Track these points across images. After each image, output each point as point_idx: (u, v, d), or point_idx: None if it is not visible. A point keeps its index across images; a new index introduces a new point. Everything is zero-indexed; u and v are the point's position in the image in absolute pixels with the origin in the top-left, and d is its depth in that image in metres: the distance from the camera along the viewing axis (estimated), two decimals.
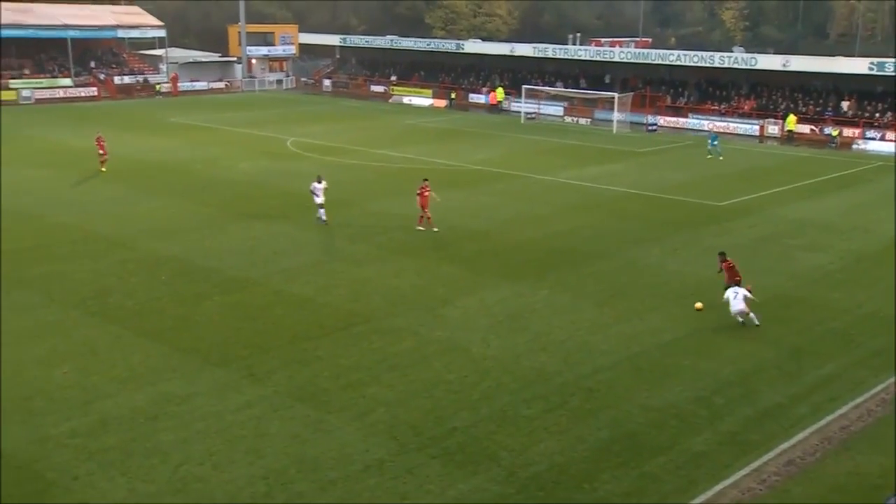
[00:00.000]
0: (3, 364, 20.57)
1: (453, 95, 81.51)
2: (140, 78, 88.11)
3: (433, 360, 21.20)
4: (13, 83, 79.68)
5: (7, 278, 26.91)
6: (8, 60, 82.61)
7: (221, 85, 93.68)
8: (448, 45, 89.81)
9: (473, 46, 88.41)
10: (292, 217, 35.06)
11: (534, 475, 16.05)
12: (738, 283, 23.94)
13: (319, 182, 33.80)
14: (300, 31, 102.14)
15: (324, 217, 33.61)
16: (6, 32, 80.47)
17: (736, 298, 23.19)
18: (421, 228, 32.87)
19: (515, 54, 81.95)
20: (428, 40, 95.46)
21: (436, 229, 32.75)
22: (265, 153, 52.00)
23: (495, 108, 77.37)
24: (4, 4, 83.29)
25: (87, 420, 17.87)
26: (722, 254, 25.18)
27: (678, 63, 71.23)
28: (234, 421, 18.00)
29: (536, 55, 79.85)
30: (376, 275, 28.01)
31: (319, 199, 33.64)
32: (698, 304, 24.68)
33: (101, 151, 44.68)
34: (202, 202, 38.16)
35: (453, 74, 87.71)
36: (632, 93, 70.71)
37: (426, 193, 32.94)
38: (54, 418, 17.94)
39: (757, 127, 64.90)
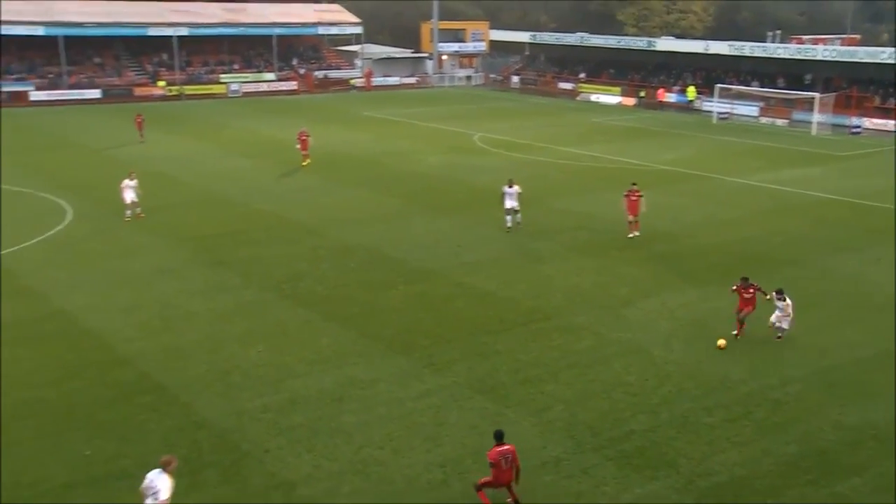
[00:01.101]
0: (207, 339, 22.06)
1: (642, 94, 79.95)
2: (320, 74, 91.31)
3: (613, 361, 20.95)
4: (223, 77, 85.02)
5: (213, 260, 28.76)
6: (220, 56, 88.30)
7: (413, 80, 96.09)
8: (639, 43, 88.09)
9: (666, 44, 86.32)
10: (477, 211, 35.48)
11: (714, 485, 15.57)
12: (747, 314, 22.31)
13: (511, 186, 32.31)
14: (491, 27, 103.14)
15: (509, 223, 32.22)
16: (223, 31, 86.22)
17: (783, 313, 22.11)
18: (632, 235, 31.69)
19: (710, 52, 79.32)
20: (619, 38, 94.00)
21: (631, 235, 31.68)
22: (452, 148, 52.91)
23: (663, 104, 76.07)
24: (222, 4, 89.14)
25: (278, 397, 18.85)
26: (745, 279, 22.51)
27: (890, 61, 66.63)
28: (415, 408, 18.48)
29: (732, 53, 77.01)
30: (558, 272, 27.95)
31: (509, 204, 32.16)
32: (721, 342, 21.75)
33: (298, 146, 46.03)
34: (391, 194, 39.33)
35: (643, 72, 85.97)
36: (835, 93, 66.91)
37: (633, 198, 31.70)
38: (249, 393, 19.05)
39: None
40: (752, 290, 22.22)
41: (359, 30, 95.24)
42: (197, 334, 22.40)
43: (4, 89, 74.30)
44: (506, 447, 14.38)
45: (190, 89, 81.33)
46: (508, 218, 32.39)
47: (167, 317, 23.62)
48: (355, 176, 43.63)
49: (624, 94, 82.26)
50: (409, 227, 33.53)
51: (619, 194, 32.70)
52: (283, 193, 39.49)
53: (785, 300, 21.92)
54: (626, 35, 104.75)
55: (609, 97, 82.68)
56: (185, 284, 26.28)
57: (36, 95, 75.10)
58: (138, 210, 33.86)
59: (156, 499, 12.95)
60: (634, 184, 32.46)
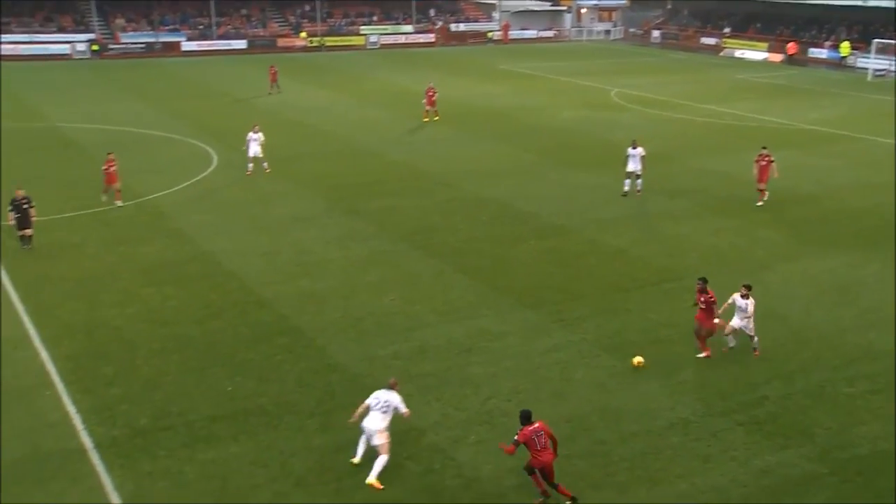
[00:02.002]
0: (341, 286, 22.69)
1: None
2: (458, 26, 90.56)
3: None
4: (363, 29, 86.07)
5: (348, 209, 29.39)
6: (361, 8, 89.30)
7: (550, 34, 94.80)
8: None
9: None
10: (611, 168, 34.77)
11: (852, 458, 15.03)
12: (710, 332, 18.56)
13: (634, 147, 30.63)
14: None
15: (626, 187, 30.69)
16: None
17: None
18: (760, 203, 29.96)
19: (868, 5, 74.66)
20: None
21: (759, 203, 29.97)
22: (588, 103, 52.08)
23: (792, 58, 73.13)
24: None
25: (408, 345, 19.26)
26: (703, 280, 18.72)
27: None
28: (542, 363, 18.55)
29: (895, 6, 72.25)
30: (693, 232, 27.32)
31: (632, 167, 30.61)
32: (637, 360, 18.34)
33: (424, 101, 45.29)
34: (525, 148, 39.15)
35: (793, 27, 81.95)
36: None
37: (763, 163, 29.78)
38: (381, 340, 19.53)
39: None
40: (704, 300, 18.47)
41: None
42: (332, 281, 23.07)
43: (160, 39, 77.64)
44: (536, 425, 13.60)
45: (330, 41, 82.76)
46: (627, 182, 30.81)
47: (304, 262, 24.40)
48: (490, 129, 43.59)
49: (771, 49, 78.71)
50: (543, 181, 33.36)
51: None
52: (418, 145, 39.90)
53: (749, 298, 18.35)
54: None
55: (755, 53, 79.31)
56: (321, 232, 27.02)
57: (187, 45, 78.14)
58: (264, 165, 33.53)
59: (386, 411, 14.57)
60: (765, 148, 30.60)
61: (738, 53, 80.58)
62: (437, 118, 45.34)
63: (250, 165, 33.51)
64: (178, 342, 19.28)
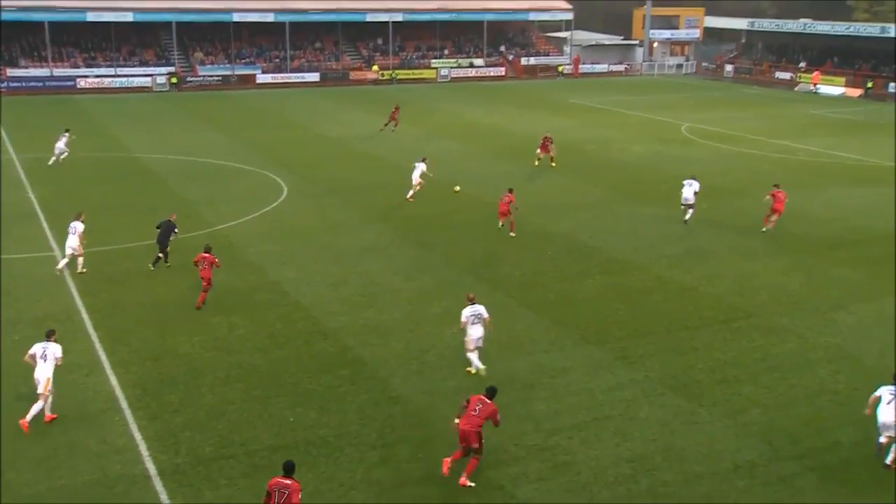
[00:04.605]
0: (406, 318, 22.75)
1: (870, 85, 74.65)
2: (528, 60, 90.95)
3: (818, 367, 19.86)
4: (434, 62, 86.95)
5: (416, 241, 29.52)
6: (433, 42, 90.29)
7: (621, 68, 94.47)
8: (871, 30, 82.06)
9: None
10: (680, 204, 34.43)
11: None
12: None
13: (692, 180, 32.23)
14: (706, 14, 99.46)
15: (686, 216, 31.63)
16: (436, 16, 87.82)
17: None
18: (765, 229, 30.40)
19: None
20: (847, 24, 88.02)
21: (764, 229, 29.86)
22: (658, 138, 51.63)
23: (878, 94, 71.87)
24: None
25: (471, 380, 19.10)
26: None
27: None
28: (605, 400, 18.30)
29: None
30: (763, 270, 26.77)
31: (684, 196, 31.92)
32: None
33: (539, 150, 43.02)
34: (593, 182, 38.95)
35: (873, 61, 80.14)
36: None
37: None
38: (443, 373, 19.51)
39: None
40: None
41: (569, 16, 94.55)
42: (397, 312, 23.16)
43: (236, 72, 79.65)
44: (288, 482, 12.61)
45: (402, 73, 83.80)
46: (689, 212, 31.72)
47: (370, 293, 24.57)
48: (558, 163, 43.39)
49: (848, 84, 77.14)
50: (610, 216, 33.10)
51: (836, 191, 30.77)
52: (487, 177, 39.94)
53: None
54: (857, 21, 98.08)
55: (831, 88, 77.81)
56: (388, 263, 27.19)
57: (262, 78, 79.92)
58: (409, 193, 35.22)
59: (477, 321, 18.98)
60: (777, 185, 31.20)
61: (813, 88, 79.17)
62: (539, 164, 42.87)
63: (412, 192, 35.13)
64: (243, 371, 19.54)
